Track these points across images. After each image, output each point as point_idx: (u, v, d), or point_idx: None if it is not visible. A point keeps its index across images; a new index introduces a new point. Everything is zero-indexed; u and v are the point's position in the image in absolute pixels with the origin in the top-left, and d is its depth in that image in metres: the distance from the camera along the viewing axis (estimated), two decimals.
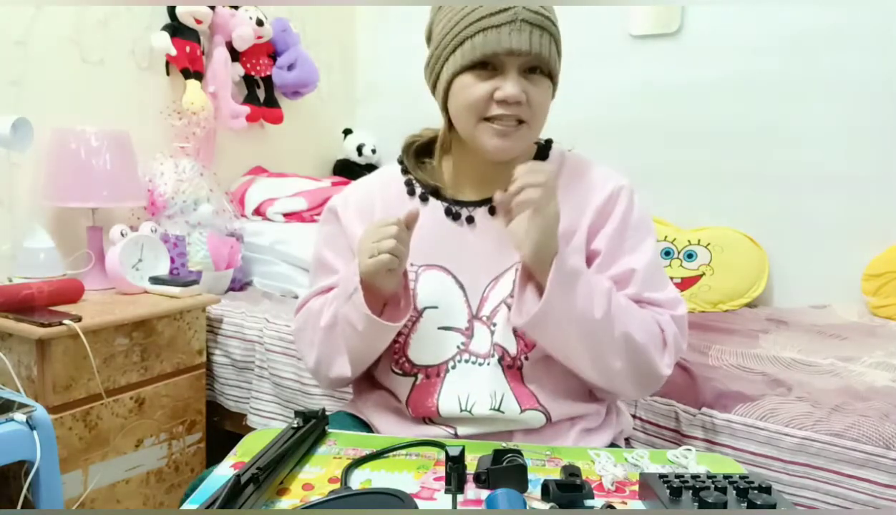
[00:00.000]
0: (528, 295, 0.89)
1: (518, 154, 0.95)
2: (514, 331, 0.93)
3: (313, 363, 1.02)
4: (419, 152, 1.05)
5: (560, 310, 0.85)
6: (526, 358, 0.93)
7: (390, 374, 0.99)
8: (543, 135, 1.03)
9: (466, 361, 0.95)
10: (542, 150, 1.03)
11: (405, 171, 1.05)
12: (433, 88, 0.98)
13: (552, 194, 0.86)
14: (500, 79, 0.89)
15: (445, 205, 1.00)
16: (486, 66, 0.89)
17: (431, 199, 1.01)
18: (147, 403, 1.57)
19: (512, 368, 0.94)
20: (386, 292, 0.93)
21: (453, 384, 0.94)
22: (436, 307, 0.95)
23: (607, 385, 0.95)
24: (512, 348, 0.94)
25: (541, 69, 0.90)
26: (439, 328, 0.95)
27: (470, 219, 0.99)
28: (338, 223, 1.04)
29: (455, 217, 0.99)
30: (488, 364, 0.94)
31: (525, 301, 0.89)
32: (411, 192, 1.02)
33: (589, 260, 0.95)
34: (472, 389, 0.93)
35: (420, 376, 0.96)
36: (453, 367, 0.95)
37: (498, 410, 0.92)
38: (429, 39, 0.98)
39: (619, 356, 0.89)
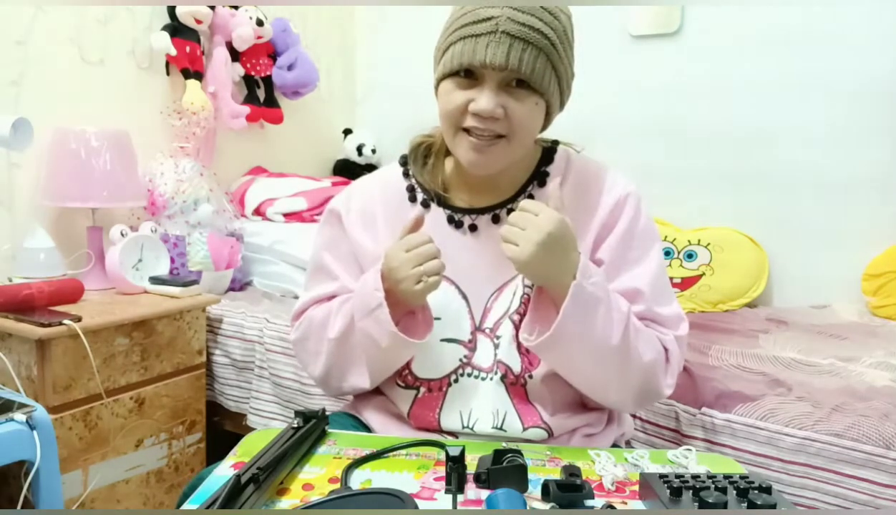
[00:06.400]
0: (540, 314, 0.86)
1: (499, 169, 0.91)
2: (519, 348, 0.92)
3: (320, 373, 1.00)
4: (427, 154, 1.02)
5: (573, 336, 0.83)
6: (530, 376, 0.92)
7: (394, 386, 0.97)
8: (548, 135, 1.01)
9: (469, 375, 0.93)
10: (548, 153, 1.00)
11: (406, 175, 1.02)
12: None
13: (553, 228, 0.81)
14: (478, 90, 0.85)
15: (447, 212, 0.98)
16: (470, 74, 0.86)
17: (433, 206, 0.99)
18: (147, 403, 1.57)
19: (515, 385, 0.92)
20: (410, 308, 0.90)
21: (455, 399, 0.93)
22: (438, 318, 0.93)
23: (607, 403, 0.95)
24: (516, 366, 0.92)
25: (529, 83, 0.85)
26: (442, 339, 0.93)
27: (473, 228, 0.97)
28: (340, 227, 1.02)
29: (457, 225, 0.97)
30: (491, 379, 0.93)
31: (537, 319, 0.86)
32: (412, 199, 1.00)
33: None
34: (475, 406, 0.92)
35: (422, 389, 0.95)
36: (455, 381, 0.94)
37: (500, 428, 0.92)
38: None
39: (628, 379, 0.88)
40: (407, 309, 0.91)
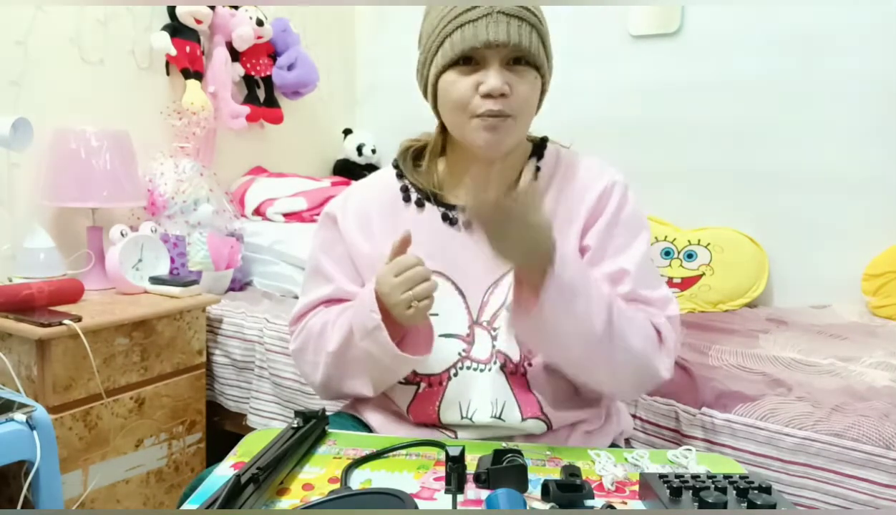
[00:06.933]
0: (523, 302, 0.87)
1: (509, 148, 0.94)
2: (517, 336, 0.93)
3: (320, 382, 1.01)
4: (417, 156, 1.04)
5: (556, 324, 0.83)
6: (529, 364, 0.92)
7: (395, 384, 0.98)
8: (541, 134, 1.03)
9: (468, 368, 0.94)
10: (538, 149, 1.01)
11: (400, 176, 1.03)
12: (424, 91, 0.98)
13: (531, 210, 0.80)
14: (483, 73, 0.88)
15: (442, 210, 0.99)
16: (469, 61, 0.89)
17: (427, 205, 1.00)
18: (147, 403, 1.57)
19: (515, 374, 0.93)
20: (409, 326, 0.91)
21: (454, 392, 0.94)
22: (436, 314, 0.93)
23: (606, 389, 0.95)
24: (515, 354, 0.93)
25: (526, 60, 0.89)
26: (440, 335, 0.94)
27: (467, 224, 0.98)
28: (336, 229, 1.03)
29: (452, 222, 0.99)
30: (489, 369, 0.93)
31: (520, 308, 0.87)
32: (406, 199, 1.01)
33: (580, 255, 0.95)
34: (474, 396, 0.93)
35: (422, 385, 0.95)
36: (455, 375, 0.94)
37: (499, 418, 0.92)
38: (419, 44, 0.98)
39: (619, 364, 0.89)
40: (406, 326, 0.91)
